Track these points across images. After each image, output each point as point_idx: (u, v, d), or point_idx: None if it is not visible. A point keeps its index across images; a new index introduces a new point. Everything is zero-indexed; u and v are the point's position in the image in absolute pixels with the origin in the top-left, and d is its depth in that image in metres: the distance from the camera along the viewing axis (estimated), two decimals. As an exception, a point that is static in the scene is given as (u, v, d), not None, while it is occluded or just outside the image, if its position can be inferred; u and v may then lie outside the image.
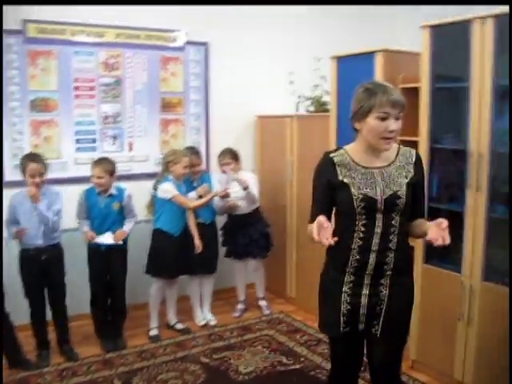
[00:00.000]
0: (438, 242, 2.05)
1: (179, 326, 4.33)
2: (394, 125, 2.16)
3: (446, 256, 3.49)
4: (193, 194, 4.26)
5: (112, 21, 4.32)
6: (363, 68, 3.87)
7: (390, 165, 2.27)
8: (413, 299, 2.42)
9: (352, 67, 4.00)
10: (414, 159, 2.31)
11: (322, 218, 2.07)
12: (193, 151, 4.40)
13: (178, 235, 4.13)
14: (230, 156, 4.47)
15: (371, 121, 2.17)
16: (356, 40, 4.53)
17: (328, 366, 3.68)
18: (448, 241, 2.05)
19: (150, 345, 4.07)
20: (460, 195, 3.33)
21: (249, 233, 4.56)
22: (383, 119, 2.15)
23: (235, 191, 4.37)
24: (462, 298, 3.30)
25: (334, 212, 2.37)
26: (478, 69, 3.12)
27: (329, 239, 2.03)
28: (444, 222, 2.08)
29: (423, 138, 3.45)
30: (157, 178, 4.17)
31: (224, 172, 4.45)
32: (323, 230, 2.04)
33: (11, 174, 4.02)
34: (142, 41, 4.47)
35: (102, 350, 3.95)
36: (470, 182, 3.21)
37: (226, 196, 4.32)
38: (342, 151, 2.33)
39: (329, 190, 2.29)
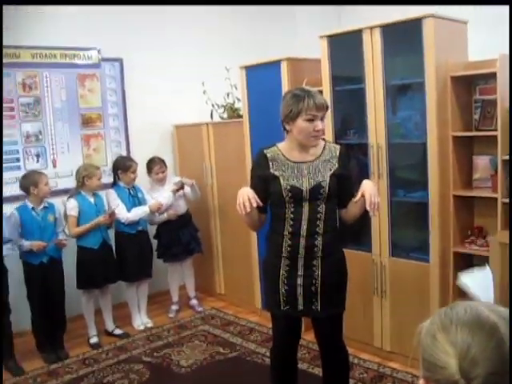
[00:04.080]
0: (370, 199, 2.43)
1: (118, 332, 4.49)
2: (320, 125, 2.50)
3: (358, 239, 3.91)
4: (143, 208, 4.53)
5: (28, 41, 4.40)
6: (270, 75, 4.19)
7: (316, 159, 2.60)
8: (344, 273, 2.72)
9: (260, 75, 4.31)
10: (338, 153, 2.63)
11: (251, 193, 2.42)
12: (131, 159, 4.64)
13: (97, 248, 4.24)
14: (164, 164, 4.81)
15: (301, 123, 2.49)
16: (262, 49, 4.87)
17: (262, 350, 4.03)
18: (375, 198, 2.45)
19: (92, 352, 4.20)
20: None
21: (188, 231, 4.88)
22: (311, 120, 2.48)
23: (165, 197, 4.69)
24: (374, 273, 3.72)
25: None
26: (371, 71, 3.53)
27: (243, 207, 2.39)
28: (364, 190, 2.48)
29: (328, 135, 3.80)
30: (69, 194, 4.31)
31: (160, 180, 4.78)
32: (247, 201, 2.39)
33: None
34: (58, 59, 4.58)
35: (45, 362, 4.02)
36: (373, 170, 3.62)
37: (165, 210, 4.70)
38: (274, 148, 2.65)
39: (263, 182, 2.60)
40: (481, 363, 0.90)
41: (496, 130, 3.20)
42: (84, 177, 4.21)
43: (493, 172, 3.38)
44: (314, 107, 2.47)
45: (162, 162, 4.81)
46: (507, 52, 3.20)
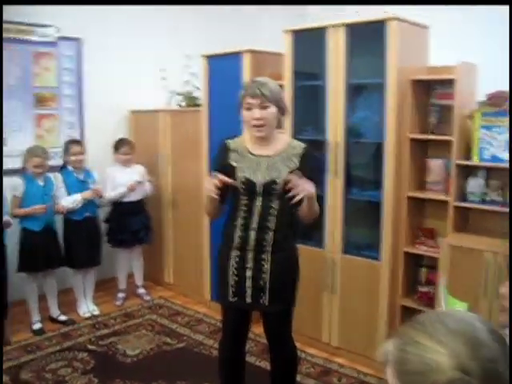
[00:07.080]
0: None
1: (62, 318, 4.38)
2: (257, 113, 2.47)
3: (311, 235, 3.93)
4: (77, 196, 4.34)
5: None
6: (232, 66, 4.16)
7: (276, 155, 2.58)
8: (294, 271, 2.70)
9: (222, 65, 4.28)
10: (301, 152, 2.58)
11: (220, 176, 2.43)
12: (74, 141, 4.53)
13: (39, 230, 4.11)
14: (132, 146, 4.79)
15: (242, 112, 2.52)
16: (225, 40, 4.80)
17: (210, 342, 4.02)
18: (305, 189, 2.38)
19: (35, 338, 4.08)
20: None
21: (140, 218, 4.81)
22: (248, 109, 2.49)
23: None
24: (326, 270, 3.76)
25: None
26: (333, 69, 3.55)
27: (212, 191, 2.40)
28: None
29: (287, 130, 3.80)
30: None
31: (126, 163, 4.73)
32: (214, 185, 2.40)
33: None
34: (13, 35, 4.39)
35: (-15, 348, 3.90)
36: (329, 168, 3.66)
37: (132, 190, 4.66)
38: (238, 139, 2.65)
39: (223, 173, 2.54)
40: (476, 352, 0.86)
41: (451, 134, 3.28)
42: (24, 159, 4.12)
43: (446, 175, 3.45)
44: (248, 95, 2.48)
45: (131, 144, 4.78)
46: (467, 60, 3.27)
